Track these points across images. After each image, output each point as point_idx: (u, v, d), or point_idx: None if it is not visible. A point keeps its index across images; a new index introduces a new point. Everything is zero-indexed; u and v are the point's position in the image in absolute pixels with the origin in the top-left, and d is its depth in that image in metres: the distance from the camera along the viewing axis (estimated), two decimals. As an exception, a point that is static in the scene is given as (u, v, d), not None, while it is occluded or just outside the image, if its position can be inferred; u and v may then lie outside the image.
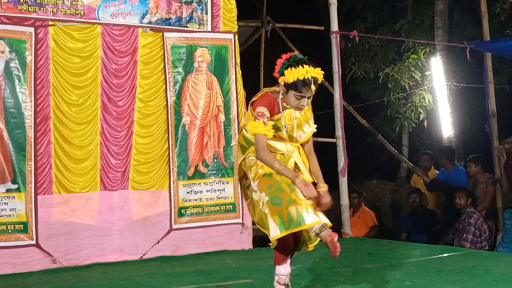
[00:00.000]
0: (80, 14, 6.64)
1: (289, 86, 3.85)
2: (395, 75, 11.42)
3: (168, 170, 6.93)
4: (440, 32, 11.29)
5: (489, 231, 7.51)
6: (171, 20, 7.06)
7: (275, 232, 3.74)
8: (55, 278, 5.85)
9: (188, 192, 7.01)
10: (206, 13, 7.21)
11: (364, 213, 8.96)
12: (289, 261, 4.05)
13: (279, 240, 3.82)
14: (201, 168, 7.09)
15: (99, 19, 6.71)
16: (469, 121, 12.01)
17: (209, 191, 7.10)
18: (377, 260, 5.95)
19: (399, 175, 12.36)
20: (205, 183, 7.10)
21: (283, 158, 4.00)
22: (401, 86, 11.44)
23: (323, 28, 9.80)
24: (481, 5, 8.15)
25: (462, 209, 7.55)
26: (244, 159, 4.04)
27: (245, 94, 7.42)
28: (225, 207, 7.15)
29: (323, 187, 4.02)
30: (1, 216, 6.17)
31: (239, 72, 7.36)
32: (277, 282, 4.05)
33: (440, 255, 6.04)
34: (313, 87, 3.84)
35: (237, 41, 7.39)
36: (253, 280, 5.18)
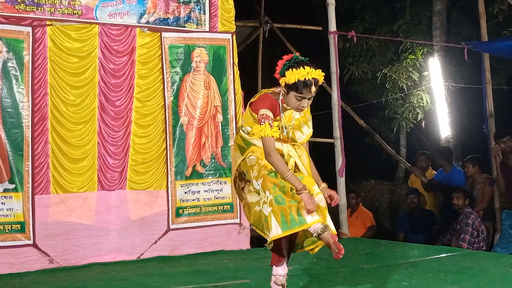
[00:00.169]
0: (78, 14, 6.63)
1: (290, 87, 3.85)
2: (393, 75, 11.43)
3: (165, 170, 6.93)
4: (438, 33, 11.30)
5: (487, 232, 7.52)
6: (169, 20, 7.05)
7: (277, 231, 3.74)
8: (52, 278, 5.85)
9: (185, 192, 7.00)
10: (204, 13, 7.21)
11: (362, 213, 8.96)
12: (286, 261, 4.05)
13: (274, 241, 3.83)
14: (199, 168, 7.09)
15: (97, 19, 6.70)
16: (467, 121, 12.03)
17: (207, 191, 7.10)
18: (375, 260, 5.95)
19: (397, 175, 12.37)
20: (202, 183, 7.09)
21: (284, 159, 4.00)
22: (399, 86, 11.45)
23: (321, 28, 9.81)
24: (479, 6, 8.16)
25: (460, 210, 7.55)
26: (244, 159, 4.04)
27: (243, 94, 7.42)
28: (223, 207, 7.15)
29: (323, 185, 4.05)
30: (-2, 216, 6.17)
31: (237, 72, 7.35)
32: (274, 282, 4.05)
33: (437, 256, 6.04)
34: (313, 88, 3.85)
35: (235, 41, 7.39)
36: (251, 280, 5.18)
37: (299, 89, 3.83)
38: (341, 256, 3.78)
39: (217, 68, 7.23)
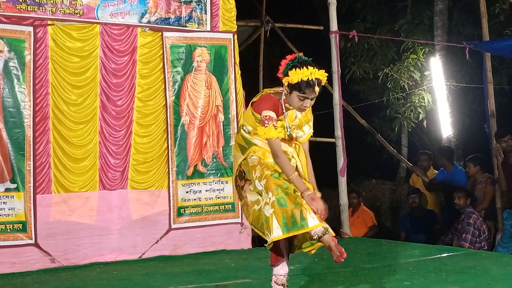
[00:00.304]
0: (79, 14, 6.63)
1: (292, 87, 3.85)
2: (394, 75, 11.42)
3: (167, 170, 6.93)
4: (440, 32, 11.30)
5: (488, 231, 7.51)
6: (170, 20, 7.05)
7: (277, 233, 3.75)
8: (53, 277, 5.85)
9: (187, 192, 7.00)
10: (205, 13, 7.21)
11: (363, 213, 8.96)
12: (286, 261, 4.05)
13: (273, 241, 3.83)
14: (200, 168, 7.09)
15: (98, 19, 6.71)
16: (468, 121, 12.02)
17: (208, 190, 7.10)
18: (376, 260, 5.95)
19: (398, 175, 12.37)
20: (204, 182, 7.09)
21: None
22: (401, 86, 11.45)
23: (322, 28, 9.80)
24: (480, 5, 8.15)
25: (461, 209, 7.55)
26: (245, 158, 4.04)
27: (244, 93, 7.42)
28: (224, 207, 7.15)
29: (317, 194, 4.04)
30: (0, 215, 6.17)
31: (238, 72, 7.35)
32: (274, 282, 4.05)
33: (439, 255, 6.04)
34: (316, 89, 3.85)
35: (236, 41, 7.39)
36: (252, 280, 5.18)
37: (302, 89, 3.83)
38: (343, 259, 3.78)
39: (218, 68, 7.23)
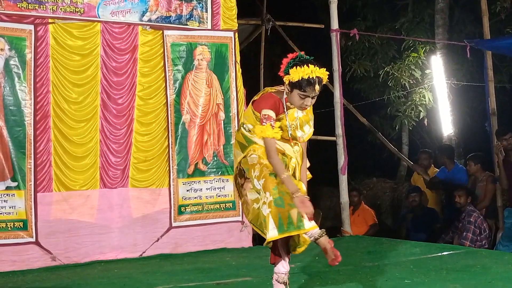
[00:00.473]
0: (80, 12, 6.63)
1: (293, 85, 3.85)
2: (395, 73, 11.42)
3: (168, 168, 6.93)
4: (440, 31, 11.28)
5: (489, 230, 7.51)
6: (171, 18, 7.05)
7: (273, 232, 3.75)
8: (54, 275, 5.86)
9: (188, 190, 7.01)
10: (206, 11, 7.20)
11: (364, 211, 8.96)
12: (287, 259, 4.06)
13: (273, 240, 3.84)
14: (201, 166, 7.09)
15: (99, 17, 6.71)
16: (469, 119, 12.01)
17: (209, 189, 7.10)
18: (377, 258, 5.95)
19: (399, 173, 12.37)
20: (204, 181, 7.09)
21: (285, 159, 4.00)
22: (401, 84, 11.44)
23: (323, 27, 9.78)
24: (481, 3, 8.14)
25: (462, 208, 7.55)
26: (244, 156, 4.04)
27: (245, 92, 7.42)
28: (225, 205, 7.15)
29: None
30: (1, 213, 6.18)
31: (239, 70, 7.35)
32: (276, 280, 4.05)
33: (440, 254, 6.04)
34: (317, 87, 3.85)
35: (237, 39, 7.39)
36: (253, 278, 5.18)
37: (302, 87, 3.83)
38: (337, 263, 3.78)
39: (219, 66, 7.23)
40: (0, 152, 6.22)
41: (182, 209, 6.96)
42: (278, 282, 4.03)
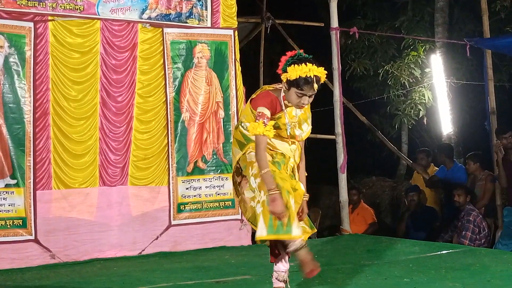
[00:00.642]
0: (80, 9, 6.62)
1: (291, 84, 3.85)
2: (394, 72, 11.41)
3: (167, 166, 6.93)
4: (440, 29, 11.28)
5: (488, 229, 7.51)
6: (170, 16, 7.05)
7: (261, 232, 3.77)
8: (53, 273, 5.85)
9: (187, 188, 7.01)
10: (206, 9, 7.20)
11: (363, 210, 8.96)
12: (287, 257, 4.06)
13: (271, 241, 3.85)
14: (200, 164, 7.09)
15: (99, 14, 6.70)
16: (469, 118, 12.01)
17: (208, 187, 7.10)
18: (376, 257, 5.95)
19: (399, 172, 12.37)
20: (204, 179, 7.09)
21: (283, 159, 3.99)
22: (401, 83, 11.44)
23: (323, 25, 9.79)
24: (481, 2, 8.14)
25: (461, 207, 7.55)
26: (244, 153, 4.04)
27: (244, 90, 7.41)
28: (224, 203, 7.15)
29: (305, 197, 4.04)
30: (0, 211, 6.17)
31: (239, 68, 7.35)
32: (275, 278, 4.06)
33: (439, 252, 6.04)
34: (315, 86, 3.84)
35: (236, 37, 7.38)
36: (252, 276, 5.18)
37: (300, 86, 3.82)
38: (315, 274, 3.79)
39: (219, 64, 7.23)
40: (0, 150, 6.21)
41: (181, 207, 6.96)
42: (278, 280, 4.04)
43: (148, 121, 6.90)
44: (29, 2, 6.39)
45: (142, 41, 6.89)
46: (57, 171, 6.47)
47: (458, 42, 9.56)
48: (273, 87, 4.04)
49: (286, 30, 9.92)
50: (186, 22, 7.11)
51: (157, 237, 6.82)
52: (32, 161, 6.34)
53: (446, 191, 8.27)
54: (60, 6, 6.53)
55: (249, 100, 4.08)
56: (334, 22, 7.77)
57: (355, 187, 9.34)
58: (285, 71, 3.87)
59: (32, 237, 6.29)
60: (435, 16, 11.44)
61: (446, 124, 10.98)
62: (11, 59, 6.33)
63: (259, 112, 3.89)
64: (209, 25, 7.21)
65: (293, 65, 3.83)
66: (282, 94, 3.96)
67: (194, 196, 7.03)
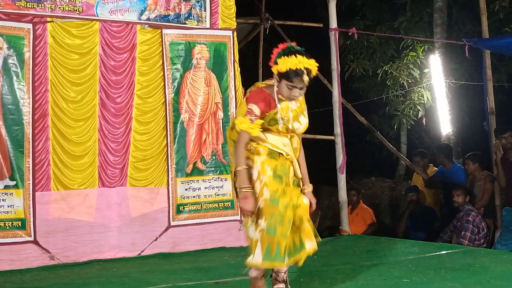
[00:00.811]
0: (79, 11, 6.62)
1: (281, 76, 3.88)
2: (393, 72, 11.42)
3: (166, 167, 6.93)
4: (439, 30, 11.29)
5: (487, 229, 7.52)
6: (169, 17, 7.05)
7: (258, 259, 3.81)
8: (53, 274, 5.85)
9: (186, 189, 7.00)
10: (205, 10, 7.20)
11: (362, 210, 8.96)
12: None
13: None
14: (200, 165, 7.09)
15: (98, 16, 6.70)
16: (468, 118, 12.02)
17: (208, 188, 7.10)
18: (375, 257, 5.95)
19: (398, 172, 12.37)
20: (203, 180, 7.09)
21: (284, 169, 3.98)
22: (400, 83, 11.44)
23: (322, 25, 9.79)
24: (480, 3, 8.15)
25: (460, 207, 7.56)
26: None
27: (243, 91, 7.40)
28: (224, 204, 7.15)
29: (308, 188, 4.04)
30: (-1, 212, 6.17)
31: (238, 69, 7.35)
32: (275, 279, 4.05)
33: (438, 253, 6.04)
34: (305, 78, 3.85)
35: (235, 38, 7.38)
36: (251, 277, 5.17)
37: (290, 78, 3.84)
38: None
39: (217, 65, 7.23)
40: (-1, 151, 6.22)
41: (180, 208, 6.96)
42: (278, 280, 4.04)
43: (147, 122, 6.90)
44: (28, 3, 6.38)
45: (141, 42, 6.89)
46: (56, 172, 6.47)
47: (457, 42, 9.57)
48: (265, 84, 4.06)
49: (285, 30, 9.92)
50: (185, 23, 7.11)
51: (157, 238, 6.82)
52: (31, 163, 6.33)
53: (445, 192, 8.27)
54: (59, 8, 6.53)
55: (245, 99, 4.08)
56: (333, 23, 7.78)
57: (354, 188, 9.34)
58: (276, 63, 3.89)
59: (31, 239, 6.28)
60: (434, 17, 11.45)
61: (445, 124, 10.99)
62: (10, 61, 6.33)
63: (249, 109, 3.90)
64: (208, 26, 7.21)
65: (283, 57, 3.85)
66: (275, 88, 3.97)
67: (193, 197, 7.03)
